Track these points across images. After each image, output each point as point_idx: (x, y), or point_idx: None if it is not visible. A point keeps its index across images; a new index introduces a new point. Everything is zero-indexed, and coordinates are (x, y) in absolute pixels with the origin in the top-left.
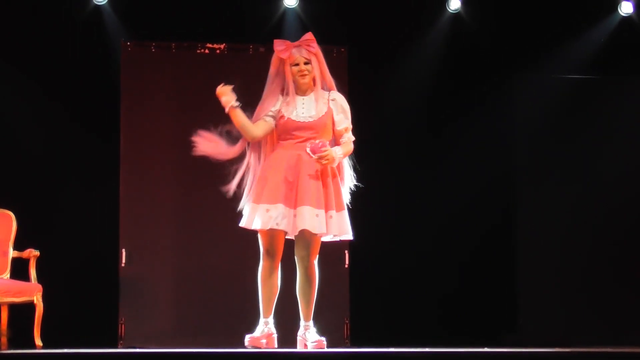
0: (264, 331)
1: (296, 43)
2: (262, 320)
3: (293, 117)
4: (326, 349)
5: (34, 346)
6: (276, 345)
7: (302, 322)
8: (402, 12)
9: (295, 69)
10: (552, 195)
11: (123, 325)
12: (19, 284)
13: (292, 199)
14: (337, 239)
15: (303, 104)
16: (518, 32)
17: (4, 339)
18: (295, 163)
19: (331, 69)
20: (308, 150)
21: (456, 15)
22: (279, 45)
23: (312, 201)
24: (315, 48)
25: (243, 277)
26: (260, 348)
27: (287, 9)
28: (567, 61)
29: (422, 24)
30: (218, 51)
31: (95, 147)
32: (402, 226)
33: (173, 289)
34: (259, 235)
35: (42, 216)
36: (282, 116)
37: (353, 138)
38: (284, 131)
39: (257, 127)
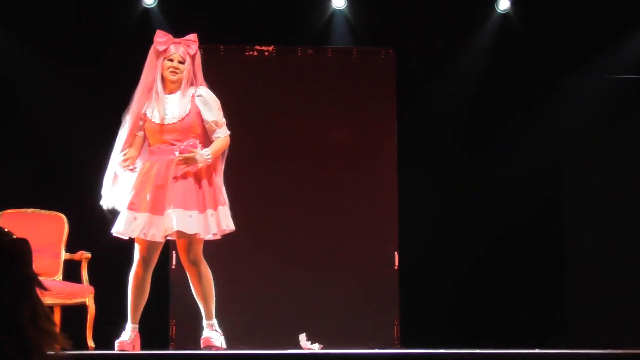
0: (132, 336)
1: (177, 40)
2: (130, 326)
3: (157, 121)
4: (376, 351)
5: (86, 347)
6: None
7: (205, 322)
8: (451, 13)
9: (168, 63)
10: (603, 196)
11: (174, 327)
12: (71, 285)
13: (162, 205)
14: (220, 235)
15: (167, 104)
16: (567, 32)
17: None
18: (165, 168)
19: (380, 71)
20: (176, 153)
21: (505, 15)
22: (159, 36)
23: (181, 203)
24: (194, 51)
25: (292, 279)
26: (129, 351)
27: (335, 11)
28: (617, 61)
29: (470, 25)
30: (266, 53)
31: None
32: (451, 227)
33: (223, 291)
34: (135, 243)
35: (93, 218)
36: (147, 119)
37: (228, 132)
38: (151, 135)
39: (136, 149)
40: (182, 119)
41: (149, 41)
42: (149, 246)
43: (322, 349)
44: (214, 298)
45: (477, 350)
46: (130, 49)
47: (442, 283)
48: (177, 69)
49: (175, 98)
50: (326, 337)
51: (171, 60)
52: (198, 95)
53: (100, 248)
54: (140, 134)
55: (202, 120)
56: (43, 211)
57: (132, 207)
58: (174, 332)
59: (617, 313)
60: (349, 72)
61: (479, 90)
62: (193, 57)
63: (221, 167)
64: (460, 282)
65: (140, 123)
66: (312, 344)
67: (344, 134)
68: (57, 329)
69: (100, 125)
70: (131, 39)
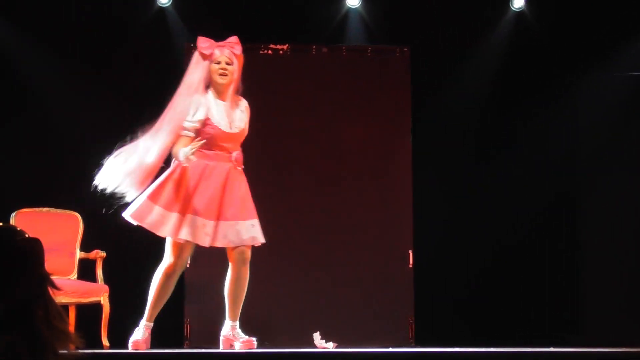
0: (145, 335)
1: (220, 43)
2: (145, 323)
3: (224, 128)
4: (391, 349)
5: (101, 346)
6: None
7: (228, 323)
8: (465, 11)
9: (216, 66)
10: (618, 195)
11: (188, 326)
12: (86, 284)
13: (215, 212)
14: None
15: (228, 112)
16: (582, 30)
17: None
18: (225, 176)
19: (394, 69)
20: (234, 160)
21: (520, 13)
22: (202, 42)
23: (243, 214)
24: (239, 52)
25: (307, 277)
26: (140, 350)
27: (349, 9)
28: (633, 59)
29: (485, 23)
30: (281, 52)
31: None
32: (465, 226)
33: None
34: (171, 242)
35: (108, 218)
36: (211, 125)
37: None
38: (212, 140)
39: (183, 146)
40: (241, 130)
41: (165, 40)
42: (184, 248)
43: (336, 347)
44: (242, 302)
45: (492, 349)
46: (145, 48)
47: (456, 281)
48: (226, 69)
49: (232, 106)
50: (340, 336)
51: (218, 62)
52: (246, 107)
53: (115, 247)
54: (186, 133)
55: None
56: (58, 210)
57: (200, 212)
58: (188, 331)
59: (629, 311)
60: (364, 70)
61: (494, 89)
62: (238, 59)
63: None
64: (475, 280)
65: (196, 125)
66: (326, 342)
67: (359, 132)
68: (71, 328)
69: (116, 123)
70: (146, 37)
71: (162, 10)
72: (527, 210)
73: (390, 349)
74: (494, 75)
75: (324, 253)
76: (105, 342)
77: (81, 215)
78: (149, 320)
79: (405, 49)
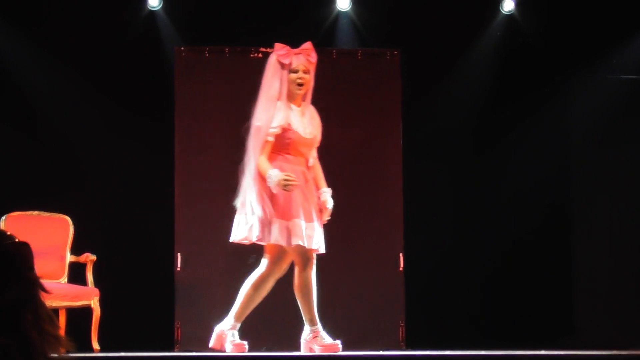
0: (237, 335)
1: (297, 50)
2: (234, 324)
3: (302, 134)
4: (382, 352)
5: (91, 350)
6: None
7: (307, 327)
8: (456, 14)
9: (294, 75)
10: (610, 197)
11: (179, 329)
12: (76, 288)
13: (310, 215)
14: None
15: (304, 118)
16: (573, 33)
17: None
18: (303, 180)
19: (385, 72)
20: (309, 165)
21: (510, 16)
22: (279, 49)
23: (319, 218)
24: (314, 59)
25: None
26: (244, 352)
27: (340, 12)
28: (624, 61)
29: (475, 26)
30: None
31: (150, 152)
32: (456, 229)
33: (228, 293)
34: (265, 248)
35: (98, 221)
36: (291, 130)
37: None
38: (290, 144)
39: (265, 153)
40: (315, 135)
41: (155, 42)
42: (283, 252)
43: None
44: (314, 305)
45: (483, 352)
46: (135, 51)
47: (447, 285)
48: (303, 78)
49: (308, 113)
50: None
51: (296, 71)
52: (316, 113)
53: (105, 250)
54: (268, 139)
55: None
56: (48, 214)
57: (283, 215)
58: (179, 334)
59: (623, 314)
60: (354, 73)
61: (484, 91)
62: (314, 67)
63: None
64: (466, 283)
65: (276, 131)
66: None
67: (349, 135)
68: (61, 332)
69: (106, 127)
70: (136, 40)
71: (152, 13)
72: (519, 212)
73: (381, 352)
74: (484, 78)
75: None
76: (95, 345)
77: (71, 219)
78: (238, 320)
79: (396, 52)
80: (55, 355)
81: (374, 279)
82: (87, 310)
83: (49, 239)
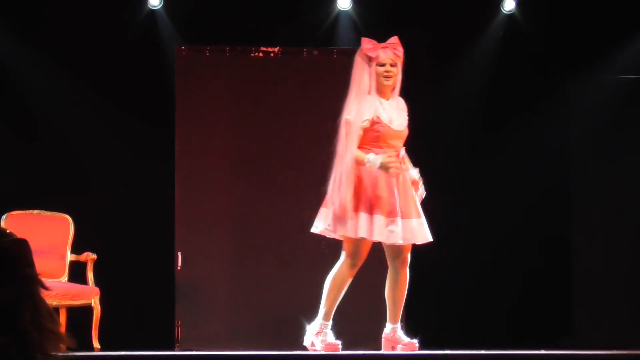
0: (331, 334)
1: (383, 45)
2: (325, 323)
3: (392, 126)
4: (381, 352)
5: (92, 349)
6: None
7: (389, 325)
8: (456, 14)
9: (381, 69)
10: (610, 197)
11: (179, 328)
12: (77, 287)
13: (394, 210)
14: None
15: (391, 110)
16: (573, 33)
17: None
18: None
19: None
20: (401, 159)
21: (511, 16)
22: (367, 43)
23: (413, 212)
24: (401, 53)
25: (298, 281)
26: (338, 352)
27: (340, 12)
28: (624, 61)
29: (476, 25)
30: (272, 54)
31: (151, 151)
32: (455, 228)
33: (229, 292)
34: (348, 240)
35: (99, 220)
36: (379, 122)
37: None
38: (378, 137)
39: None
40: (405, 127)
41: (155, 42)
42: (359, 246)
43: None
44: (403, 303)
45: (482, 351)
46: (135, 50)
47: (446, 284)
48: (391, 72)
49: (396, 105)
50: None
51: (383, 65)
52: (405, 105)
53: (105, 249)
54: (360, 132)
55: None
56: (48, 212)
57: (383, 212)
58: (179, 333)
59: (622, 314)
60: None
61: (485, 91)
62: (401, 60)
63: None
64: (465, 282)
65: (365, 125)
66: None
67: None
68: (61, 329)
69: (106, 126)
70: (137, 40)
71: (152, 12)
72: (518, 211)
73: (380, 352)
74: (484, 77)
75: (314, 255)
76: (96, 344)
77: (72, 218)
78: (327, 319)
79: None
80: (57, 352)
81: (373, 278)
82: (87, 309)
83: (50, 237)
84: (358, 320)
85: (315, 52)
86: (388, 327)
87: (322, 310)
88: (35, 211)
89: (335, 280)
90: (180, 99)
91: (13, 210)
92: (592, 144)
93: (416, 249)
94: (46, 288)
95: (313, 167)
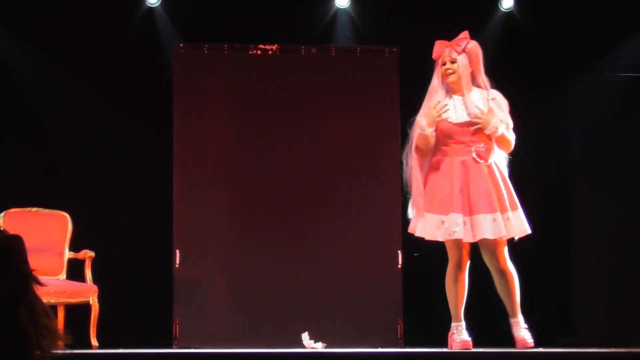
0: (467, 334)
1: (449, 43)
2: (454, 324)
3: (454, 121)
4: (380, 350)
5: (90, 346)
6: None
7: (510, 320)
8: (454, 11)
9: (442, 68)
10: (608, 195)
11: (177, 326)
12: (75, 284)
13: (466, 207)
14: (520, 236)
15: (462, 105)
16: (572, 30)
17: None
18: (462, 170)
19: (383, 69)
20: (474, 155)
21: (509, 13)
22: (436, 45)
23: (486, 207)
24: (462, 46)
25: (296, 279)
26: (470, 349)
27: (338, 10)
28: (623, 59)
29: (474, 23)
30: (270, 52)
31: (149, 149)
32: None
33: (227, 290)
34: (446, 243)
35: (97, 218)
36: (443, 121)
37: (513, 135)
38: (445, 135)
39: (430, 142)
40: (482, 119)
41: (153, 39)
42: (453, 247)
43: (325, 347)
44: (519, 296)
45: (481, 349)
46: (134, 47)
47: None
48: (449, 69)
49: (469, 99)
50: (329, 336)
51: (444, 64)
52: (492, 99)
53: (104, 247)
54: (433, 134)
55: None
56: (47, 210)
57: (435, 209)
58: (177, 331)
59: (621, 312)
60: (353, 71)
61: None
62: (466, 52)
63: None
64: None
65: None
66: (315, 342)
67: (348, 132)
68: (57, 325)
69: (105, 124)
70: (135, 37)
71: (151, 10)
72: None
73: (379, 350)
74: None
75: (313, 253)
76: (94, 342)
77: (70, 216)
78: (458, 320)
79: (394, 49)
80: (53, 348)
81: (373, 276)
82: (85, 307)
83: (48, 235)
84: (356, 317)
85: (314, 50)
86: (512, 322)
87: (451, 311)
88: (34, 209)
89: (447, 283)
90: (178, 96)
91: (11, 208)
92: (591, 143)
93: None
94: (41, 284)
95: (311, 164)
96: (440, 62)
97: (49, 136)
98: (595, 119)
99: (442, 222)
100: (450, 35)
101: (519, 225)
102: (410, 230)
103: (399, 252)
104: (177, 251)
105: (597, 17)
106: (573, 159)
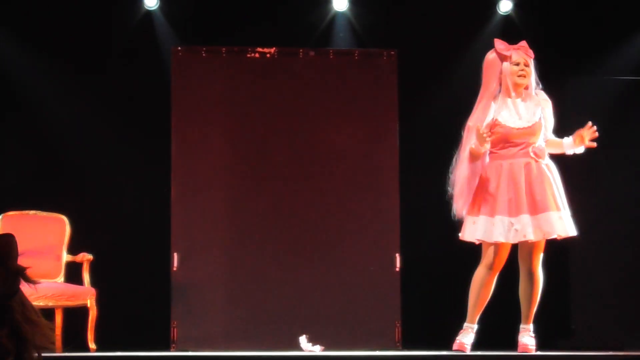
0: (471, 338)
1: (515, 46)
2: (466, 325)
3: (511, 125)
4: (378, 353)
5: (87, 349)
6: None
7: (521, 325)
8: (453, 14)
9: (516, 68)
10: (606, 198)
11: (175, 329)
12: (73, 287)
13: (533, 207)
14: (569, 236)
15: (518, 108)
16: (569, 34)
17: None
18: (525, 171)
19: (381, 72)
20: (532, 155)
21: (507, 17)
22: (499, 44)
23: (553, 205)
24: (532, 56)
25: (294, 281)
26: (464, 352)
27: (337, 13)
28: (620, 63)
29: (472, 26)
30: (268, 55)
31: (147, 152)
32: (453, 229)
33: (225, 293)
34: (487, 244)
35: (95, 220)
36: (499, 124)
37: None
38: (501, 139)
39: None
40: (535, 123)
41: (151, 42)
42: (495, 250)
43: (323, 350)
44: (537, 304)
45: (480, 352)
46: (132, 51)
47: (443, 285)
48: (525, 70)
49: (524, 102)
50: (327, 339)
51: (517, 64)
52: (544, 99)
53: (101, 250)
54: (489, 139)
55: (545, 123)
56: (44, 213)
57: (506, 212)
58: (175, 334)
59: (620, 315)
60: (351, 74)
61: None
62: (533, 61)
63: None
64: (462, 283)
65: (485, 130)
66: (313, 345)
67: (346, 135)
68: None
69: (103, 127)
70: (133, 40)
71: (149, 13)
72: None
73: (377, 353)
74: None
75: (311, 256)
76: (92, 345)
77: (68, 218)
78: (472, 322)
79: (393, 52)
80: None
81: (371, 279)
82: (83, 310)
83: (46, 238)
84: (354, 320)
85: (312, 53)
86: (521, 327)
87: (468, 311)
88: (32, 211)
89: (474, 283)
90: (176, 99)
91: (9, 211)
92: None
93: (413, 253)
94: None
95: (309, 167)
96: (509, 60)
97: (47, 139)
98: (593, 122)
99: (512, 224)
100: (448, 38)
101: (568, 224)
102: (467, 237)
103: (397, 255)
104: (175, 254)
105: (594, 20)
106: (571, 161)
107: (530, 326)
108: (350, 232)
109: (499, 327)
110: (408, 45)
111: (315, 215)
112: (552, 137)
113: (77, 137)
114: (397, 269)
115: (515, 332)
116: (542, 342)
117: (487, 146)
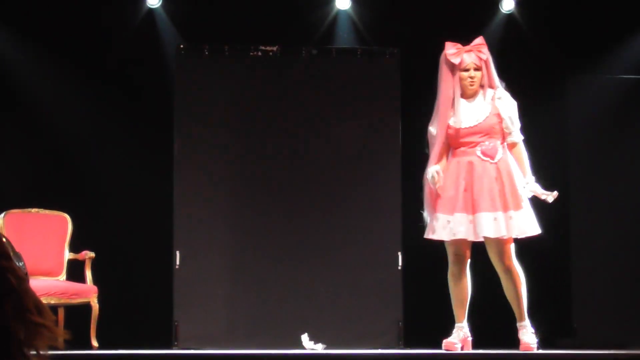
0: (460, 335)
1: (467, 48)
2: (455, 325)
3: (460, 125)
4: (380, 351)
5: (90, 347)
6: (471, 349)
7: (517, 324)
8: (455, 13)
9: (465, 74)
10: (608, 197)
11: (177, 327)
12: (75, 285)
13: (469, 206)
14: (523, 236)
15: (469, 108)
16: (572, 32)
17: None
18: (467, 169)
19: (384, 71)
20: (479, 153)
21: (509, 15)
22: (450, 48)
23: (488, 206)
24: (486, 54)
25: (296, 278)
26: (454, 351)
27: (339, 12)
28: (623, 61)
29: (475, 25)
30: (271, 53)
31: (150, 149)
32: None
33: (227, 291)
34: (447, 244)
35: (97, 218)
36: (450, 127)
37: (521, 137)
38: (454, 139)
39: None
40: (483, 120)
41: (154, 41)
42: (455, 246)
43: (325, 349)
44: (525, 300)
45: (481, 351)
46: (134, 49)
47: (446, 283)
48: (474, 77)
49: (475, 102)
50: (329, 337)
51: (467, 70)
52: (498, 98)
53: (103, 248)
54: (438, 141)
55: (500, 121)
56: (47, 211)
57: (440, 210)
58: (177, 332)
59: (622, 314)
60: (354, 72)
61: None
62: (486, 62)
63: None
64: None
65: (439, 138)
66: (315, 344)
67: (348, 134)
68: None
69: (106, 125)
70: (135, 38)
71: (151, 12)
72: None
73: (379, 351)
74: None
75: (313, 254)
76: (94, 343)
77: (70, 217)
78: (458, 321)
79: (395, 51)
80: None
81: (373, 277)
82: (85, 308)
83: (48, 236)
84: (356, 319)
85: (315, 52)
86: (517, 325)
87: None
88: (34, 210)
89: (449, 283)
90: (179, 97)
91: (11, 209)
92: (591, 144)
93: (415, 251)
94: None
95: (312, 165)
96: (460, 67)
97: (50, 137)
98: (595, 121)
99: (448, 222)
100: (450, 36)
101: (522, 225)
102: (425, 235)
103: (399, 253)
104: (177, 252)
105: (597, 19)
106: (573, 160)
107: (527, 322)
108: (353, 230)
109: (500, 326)
110: (411, 44)
111: (318, 213)
112: (518, 137)
113: (80, 135)
114: (400, 267)
115: (516, 330)
116: (544, 341)
117: (440, 184)
